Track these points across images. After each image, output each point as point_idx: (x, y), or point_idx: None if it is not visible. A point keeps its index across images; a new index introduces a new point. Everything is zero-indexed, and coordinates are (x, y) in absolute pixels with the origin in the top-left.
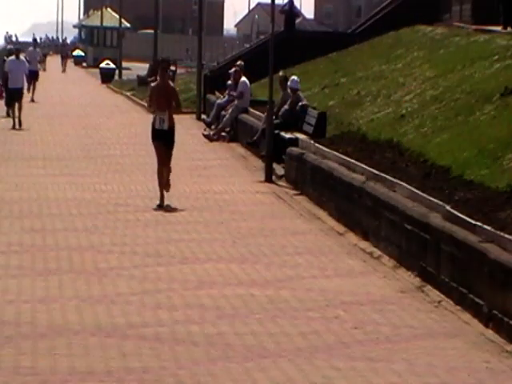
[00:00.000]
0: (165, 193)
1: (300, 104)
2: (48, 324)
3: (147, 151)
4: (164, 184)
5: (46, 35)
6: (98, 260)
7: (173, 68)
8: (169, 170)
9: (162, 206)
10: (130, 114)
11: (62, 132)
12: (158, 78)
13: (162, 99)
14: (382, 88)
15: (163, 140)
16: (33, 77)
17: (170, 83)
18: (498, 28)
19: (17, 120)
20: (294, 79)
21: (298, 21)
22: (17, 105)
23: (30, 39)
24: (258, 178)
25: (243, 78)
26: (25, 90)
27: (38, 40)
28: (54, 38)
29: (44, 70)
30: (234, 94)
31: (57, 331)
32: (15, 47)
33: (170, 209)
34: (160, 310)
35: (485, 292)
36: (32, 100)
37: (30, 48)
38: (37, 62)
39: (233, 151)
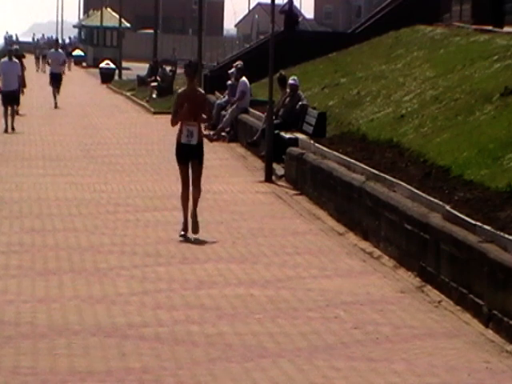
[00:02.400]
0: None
1: (300, 103)
2: (48, 324)
3: (147, 151)
4: (192, 209)
5: (43, 35)
6: (97, 260)
7: (171, 68)
8: (198, 193)
9: (186, 237)
10: (130, 114)
11: (62, 132)
12: (186, 84)
13: (190, 109)
14: (382, 88)
15: (191, 157)
16: (54, 80)
17: (200, 90)
18: (498, 28)
19: (9, 123)
20: (292, 78)
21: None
22: (10, 110)
23: (29, 39)
24: (258, 178)
25: (243, 78)
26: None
27: (36, 39)
28: (53, 38)
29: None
30: (234, 98)
31: (57, 331)
32: (15, 50)
33: (196, 241)
34: (160, 309)
35: (485, 292)
36: (55, 106)
37: (52, 50)
38: (58, 64)
39: (233, 151)
